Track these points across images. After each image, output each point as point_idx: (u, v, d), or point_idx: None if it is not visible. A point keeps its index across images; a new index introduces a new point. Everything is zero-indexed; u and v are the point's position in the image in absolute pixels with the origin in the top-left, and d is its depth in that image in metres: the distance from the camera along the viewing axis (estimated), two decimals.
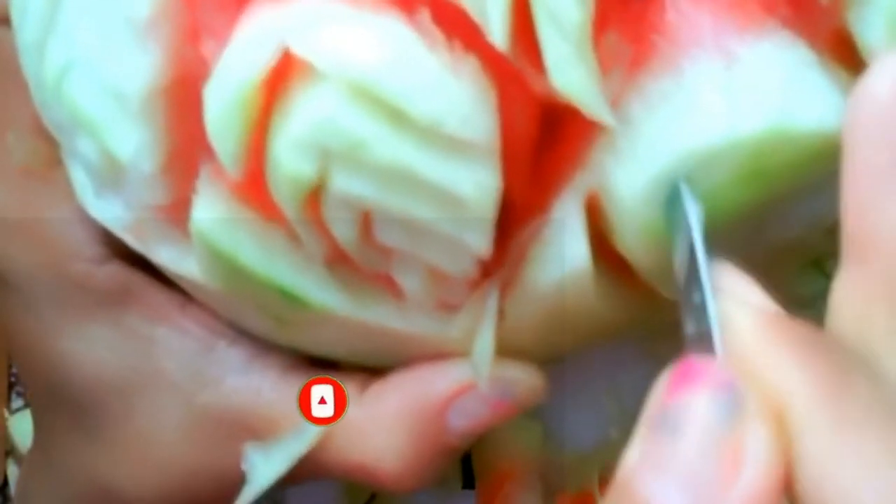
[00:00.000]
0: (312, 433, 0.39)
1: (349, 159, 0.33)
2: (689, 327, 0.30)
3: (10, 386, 0.56)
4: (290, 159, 0.33)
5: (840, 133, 0.32)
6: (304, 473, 0.40)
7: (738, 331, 0.29)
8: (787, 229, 0.36)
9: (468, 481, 0.53)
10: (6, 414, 0.56)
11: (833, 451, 0.27)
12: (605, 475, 0.52)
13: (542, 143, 0.35)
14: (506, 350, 0.37)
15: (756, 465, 0.26)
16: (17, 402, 0.57)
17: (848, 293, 0.30)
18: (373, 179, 0.33)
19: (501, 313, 0.37)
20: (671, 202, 0.33)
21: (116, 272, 0.41)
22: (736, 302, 0.29)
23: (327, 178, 0.34)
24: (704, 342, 0.29)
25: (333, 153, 0.33)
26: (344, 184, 0.33)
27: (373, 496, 0.54)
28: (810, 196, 0.35)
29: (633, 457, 0.27)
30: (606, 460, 0.52)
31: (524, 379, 0.38)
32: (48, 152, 0.40)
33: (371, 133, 0.33)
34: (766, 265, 0.34)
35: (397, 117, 0.32)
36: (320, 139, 0.33)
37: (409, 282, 0.36)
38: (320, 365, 0.41)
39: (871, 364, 0.28)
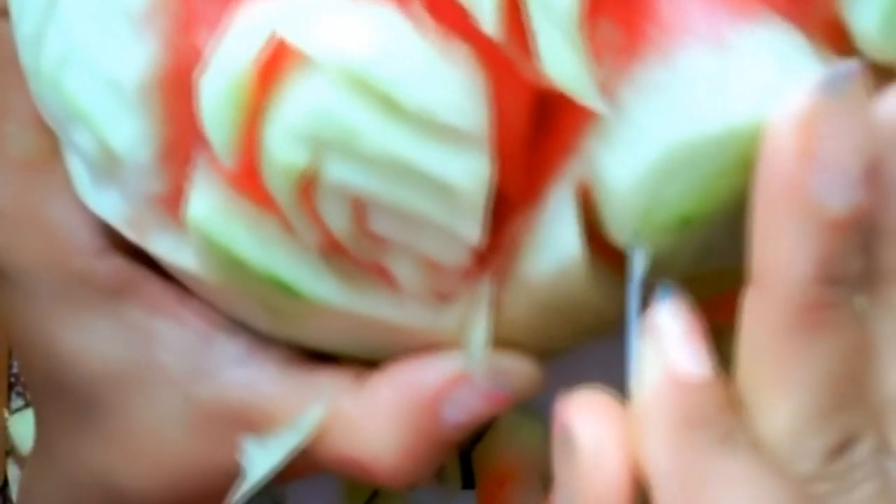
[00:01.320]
0: (309, 426, 0.39)
1: (341, 148, 0.33)
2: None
3: (10, 386, 0.56)
4: (282, 148, 0.34)
5: None
6: (299, 468, 0.40)
7: (639, 386, 0.33)
8: None
9: (468, 481, 0.53)
10: (6, 414, 0.56)
11: None
12: None
13: (535, 132, 0.35)
14: (501, 342, 0.37)
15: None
16: (17, 402, 0.57)
17: (746, 315, 0.33)
18: (365, 168, 0.33)
19: (496, 303, 0.37)
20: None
21: (117, 265, 0.41)
22: (658, 349, 0.32)
23: (320, 168, 0.34)
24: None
25: (326, 142, 0.33)
26: (336, 173, 0.33)
27: (373, 496, 0.54)
28: None
29: None
30: None
31: (520, 369, 0.38)
32: (48, 144, 0.40)
33: (363, 122, 0.33)
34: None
35: (389, 106, 0.33)
36: (313, 128, 0.33)
37: (403, 272, 0.36)
38: (319, 359, 0.41)
39: (747, 426, 0.32)
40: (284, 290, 0.37)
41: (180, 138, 0.36)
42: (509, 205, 0.36)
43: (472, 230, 0.34)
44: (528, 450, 0.52)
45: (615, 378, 0.52)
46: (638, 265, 0.34)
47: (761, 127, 0.32)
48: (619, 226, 0.34)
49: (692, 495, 0.31)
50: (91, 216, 0.40)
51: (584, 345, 0.51)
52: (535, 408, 0.52)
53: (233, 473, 0.40)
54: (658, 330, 0.33)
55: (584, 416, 0.32)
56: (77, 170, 0.39)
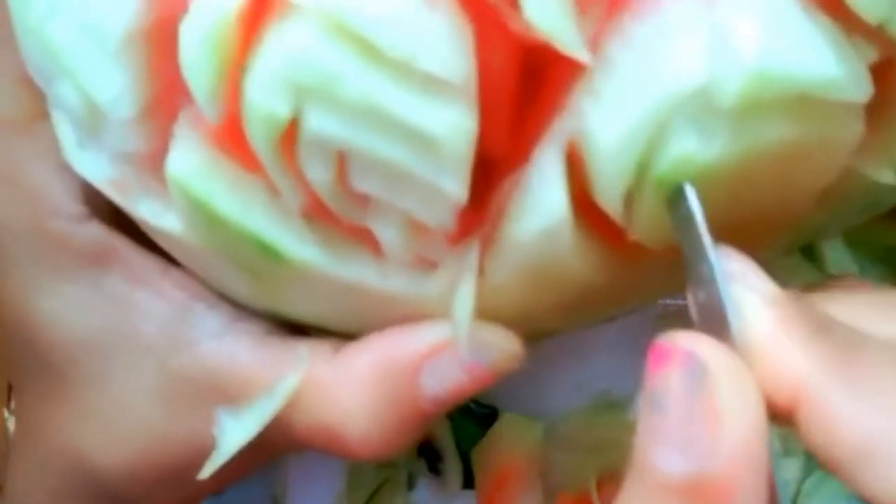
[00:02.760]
0: (282, 394, 0.38)
1: (322, 96, 0.32)
2: (699, 296, 0.33)
3: (10, 386, 0.56)
4: (262, 96, 0.33)
5: (824, 83, 0.32)
6: (275, 441, 0.39)
7: (749, 316, 0.31)
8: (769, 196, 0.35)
9: (468, 481, 0.52)
10: (6, 414, 0.56)
11: (849, 409, 0.30)
12: (604, 476, 0.51)
13: (525, 93, 0.34)
14: (487, 315, 0.36)
15: (733, 416, 0.30)
16: None
17: None
18: (345, 117, 0.33)
19: (482, 271, 0.36)
20: (671, 200, 0.33)
21: (97, 232, 0.40)
22: (744, 286, 0.32)
23: (300, 117, 0.33)
24: (715, 314, 0.32)
25: (306, 89, 0.32)
26: (317, 122, 0.33)
27: (372, 496, 0.53)
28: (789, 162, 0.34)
29: (638, 434, 0.30)
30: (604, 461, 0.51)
31: (503, 344, 0.37)
32: (34, 106, 0.40)
33: (343, 68, 0.32)
34: (753, 252, 0.33)
35: (370, 52, 0.32)
36: (292, 74, 0.32)
37: (387, 234, 0.35)
38: (299, 332, 0.40)
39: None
40: (266, 252, 0.36)
41: (165, 93, 0.36)
42: (497, 168, 0.35)
43: (455, 187, 0.33)
44: (528, 450, 0.51)
45: (616, 378, 0.51)
46: (693, 200, 0.33)
47: (749, 80, 0.31)
48: (607, 185, 0.33)
49: (849, 367, 0.31)
50: (73, 181, 0.39)
51: (582, 343, 0.51)
52: (536, 408, 0.51)
53: (208, 448, 0.39)
54: (731, 266, 0.32)
55: (708, 347, 0.31)
56: (64, 131, 0.39)
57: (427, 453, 0.53)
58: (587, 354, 0.51)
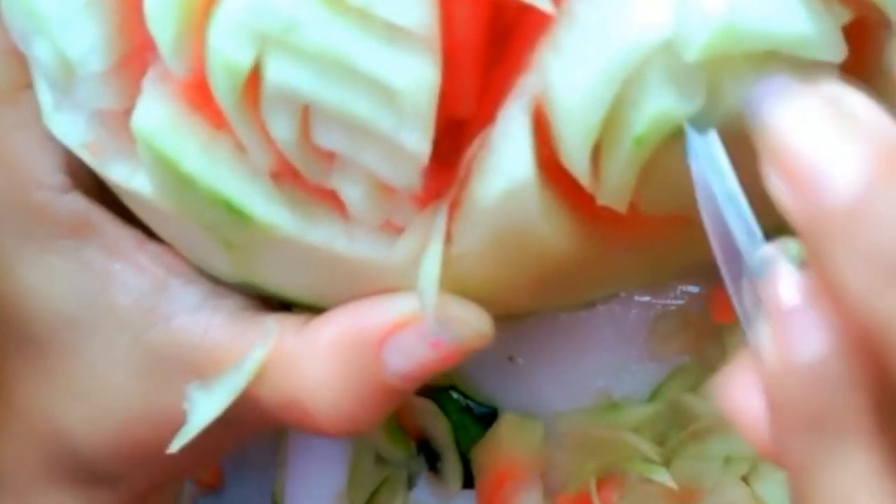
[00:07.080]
0: (249, 368, 0.38)
1: (282, 43, 0.32)
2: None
3: None
4: (224, 44, 0.32)
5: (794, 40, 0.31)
6: (245, 417, 0.39)
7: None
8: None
9: (468, 481, 0.52)
10: None
11: None
12: (604, 476, 0.49)
13: (494, 53, 0.34)
14: (455, 287, 0.36)
15: None
16: None
17: None
18: (305, 66, 0.32)
19: (449, 237, 0.35)
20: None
21: (77, 203, 0.40)
22: None
23: (262, 67, 0.33)
24: None
25: (267, 36, 0.32)
26: (277, 71, 0.32)
27: (373, 495, 0.53)
28: None
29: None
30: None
31: (471, 319, 0.36)
32: (17, 75, 0.40)
33: (304, 14, 0.32)
34: None
35: None
36: (253, 21, 0.32)
37: (352, 194, 0.34)
38: (279, 309, 0.40)
39: None
40: (233, 212, 0.35)
41: (136, 50, 0.36)
42: (466, 129, 0.34)
43: (417, 142, 0.32)
44: (528, 450, 0.50)
45: (619, 382, 0.50)
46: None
47: (716, 34, 0.31)
48: (572, 143, 0.33)
49: None
50: (54, 153, 0.39)
51: (582, 343, 0.50)
52: (536, 408, 0.51)
53: (181, 422, 0.39)
54: None
55: None
56: (43, 94, 0.39)
57: (427, 453, 0.52)
58: (587, 354, 0.50)
